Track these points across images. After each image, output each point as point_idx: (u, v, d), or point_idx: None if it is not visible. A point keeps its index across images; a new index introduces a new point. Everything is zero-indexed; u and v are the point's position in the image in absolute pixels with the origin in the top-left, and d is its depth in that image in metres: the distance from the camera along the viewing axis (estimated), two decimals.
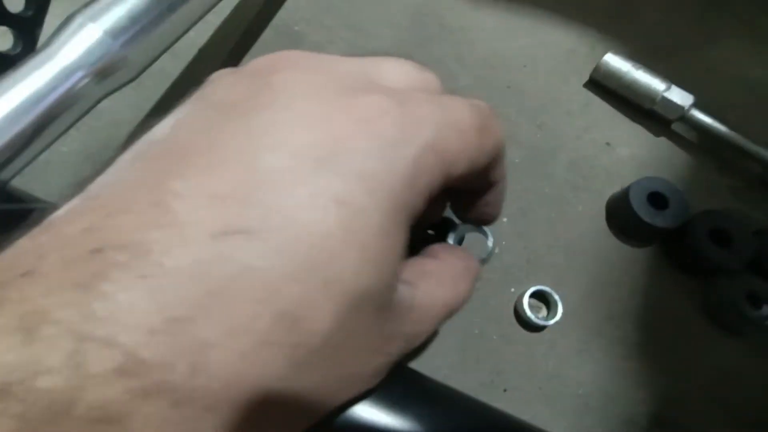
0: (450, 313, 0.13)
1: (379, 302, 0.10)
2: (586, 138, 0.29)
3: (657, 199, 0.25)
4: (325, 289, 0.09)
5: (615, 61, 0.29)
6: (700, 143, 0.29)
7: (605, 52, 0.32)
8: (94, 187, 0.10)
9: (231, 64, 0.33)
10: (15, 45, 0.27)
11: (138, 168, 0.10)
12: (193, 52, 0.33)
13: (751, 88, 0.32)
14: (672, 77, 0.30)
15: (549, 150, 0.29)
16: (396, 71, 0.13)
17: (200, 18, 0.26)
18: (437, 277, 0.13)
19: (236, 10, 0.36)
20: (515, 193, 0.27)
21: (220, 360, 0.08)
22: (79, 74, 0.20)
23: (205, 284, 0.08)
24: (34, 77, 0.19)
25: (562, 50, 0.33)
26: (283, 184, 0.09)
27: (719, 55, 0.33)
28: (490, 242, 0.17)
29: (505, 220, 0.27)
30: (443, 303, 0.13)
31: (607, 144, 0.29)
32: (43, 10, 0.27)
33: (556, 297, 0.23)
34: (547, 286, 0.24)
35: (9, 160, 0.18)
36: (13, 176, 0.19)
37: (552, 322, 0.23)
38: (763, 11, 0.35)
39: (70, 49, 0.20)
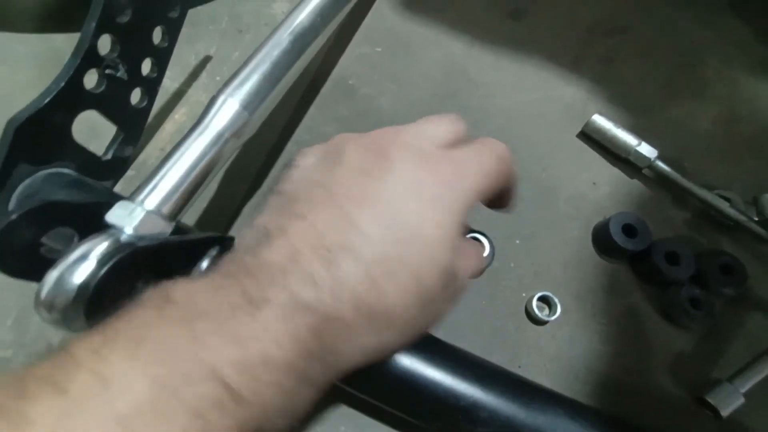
0: (473, 276, 0.21)
1: (451, 271, 0.18)
2: (579, 179, 0.38)
3: (629, 229, 0.34)
4: (434, 264, 0.17)
5: (600, 121, 0.38)
6: (662, 185, 0.38)
7: (594, 108, 0.41)
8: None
9: (301, 112, 0.41)
10: (142, 99, 0.34)
11: (327, 203, 0.17)
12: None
13: (702, 139, 0.41)
14: (643, 131, 0.39)
15: (551, 188, 0.38)
16: (443, 129, 0.20)
17: (290, 84, 0.34)
18: (466, 256, 0.20)
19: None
20: (526, 221, 0.36)
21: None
22: (225, 138, 0.28)
23: (386, 264, 0.16)
24: (198, 143, 0.27)
25: (562, 105, 0.42)
26: (416, 215, 0.17)
27: (680, 112, 0.42)
28: (488, 249, 0.25)
29: (517, 242, 0.35)
30: (470, 272, 0.20)
31: (594, 183, 0.38)
32: (163, 72, 0.35)
33: (556, 300, 0.32)
34: (549, 292, 0.33)
35: (184, 205, 0.26)
36: (182, 216, 0.26)
37: (553, 318, 0.32)
38: (718, 73, 0.44)
39: (218, 121, 0.28)
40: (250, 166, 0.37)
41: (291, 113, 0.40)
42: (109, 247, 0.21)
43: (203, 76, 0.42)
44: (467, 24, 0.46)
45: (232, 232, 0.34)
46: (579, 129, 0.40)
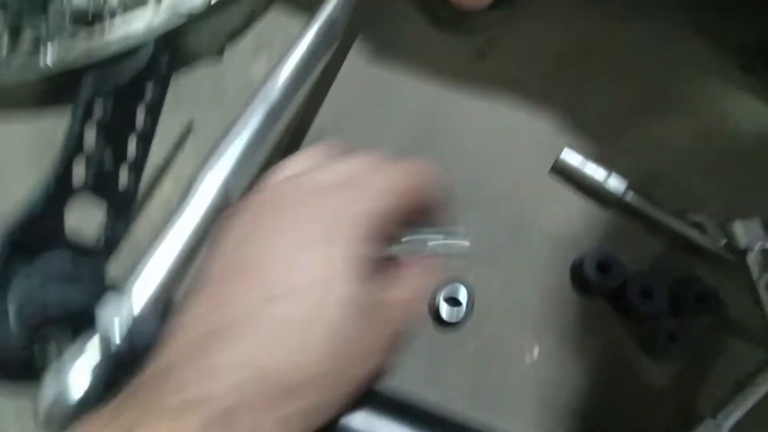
0: (410, 307, 0.19)
1: (362, 301, 0.16)
2: (554, 216, 0.40)
3: (603, 266, 0.35)
4: (329, 303, 0.15)
5: (569, 157, 0.40)
6: (635, 215, 0.39)
7: (564, 140, 0.43)
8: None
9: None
10: (129, 181, 0.36)
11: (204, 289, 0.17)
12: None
13: (675, 158, 0.42)
14: (617, 156, 0.40)
15: (527, 227, 0.39)
16: (306, 164, 0.20)
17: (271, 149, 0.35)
18: (399, 282, 0.19)
19: None
20: (502, 264, 0.37)
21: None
22: (208, 219, 0.29)
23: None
24: (181, 231, 0.28)
25: (533, 140, 0.43)
26: (288, 267, 0.16)
27: (652, 132, 0.43)
28: (460, 240, 0.22)
29: (497, 285, 0.37)
30: (404, 300, 0.19)
31: (569, 220, 0.39)
32: (148, 150, 0.37)
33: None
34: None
35: (179, 281, 0.27)
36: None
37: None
38: (686, 93, 0.45)
39: (200, 202, 0.29)
40: None
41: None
42: (102, 359, 0.22)
43: (188, 145, 0.44)
44: (435, 69, 0.48)
45: None
46: (550, 164, 0.42)
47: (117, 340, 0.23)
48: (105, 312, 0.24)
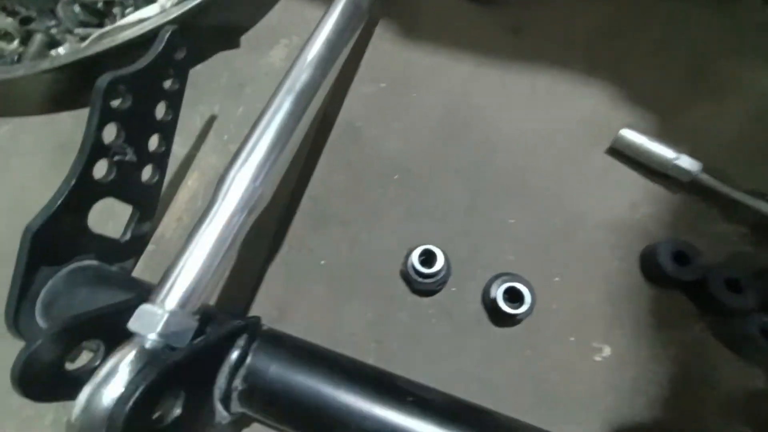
0: None
1: None
2: (613, 201, 0.36)
3: (680, 257, 0.31)
4: None
5: (631, 135, 0.36)
6: (708, 198, 0.35)
7: (618, 121, 0.38)
8: None
9: (312, 163, 0.40)
10: (153, 175, 0.34)
11: None
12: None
13: (737, 139, 0.37)
14: (674, 139, 0.35)
15: (582, 214, 0.35)
16: None
17: (299, 143, 0.33)
18: None
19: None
20: (560, 256, 0.34)
21: None
22: (240, 215, 0.27)
23: None
24: (212, 229, 0.25)
25: (580, 122, 0.39)
26: None
27: (705, 113, 0.38)
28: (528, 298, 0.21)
29: (557, 279, 0.33)
30: None
31: (632, 205, 0.35)
32: (171, 144, 0.35)
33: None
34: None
35: (207, 295, 0.25)
36: (210, 300, 0.26)
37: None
38: (739, 66, 0.40)
39: (230, 202, 0.27)
40: (267, 227, 0.36)
41: (302, 166, 0.39)
42: (134, 359, 0.20)
43: (211, 137, 0.41)
44: (467, 46, 0.44)
45: (255, 303, 0.33)
46: (606, 146, 0.38)
47: (151, 338, 0.21)
48: (137, 319, 0.22)
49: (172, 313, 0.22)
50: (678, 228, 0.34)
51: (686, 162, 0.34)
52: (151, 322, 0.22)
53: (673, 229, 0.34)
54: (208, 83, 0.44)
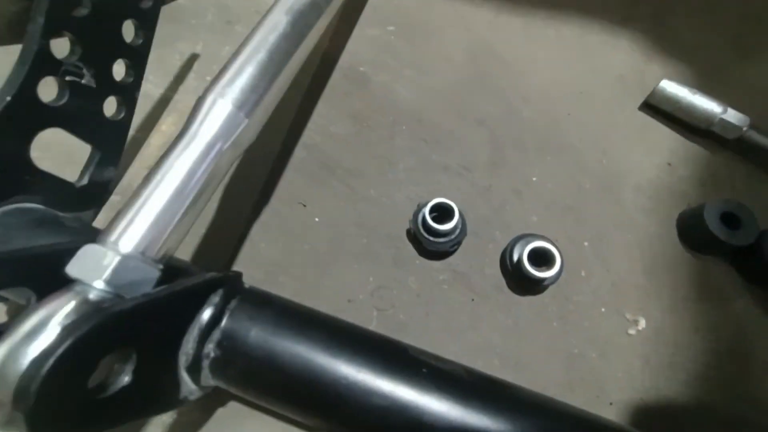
0: None
1: None
2: (648, 161, 0.32)
3: (729, 219, 0.27)
4: None
5: (672, 87, 0.32)
6: (756, 159, 0.31)
7: (653, 76, 0.34)
8: None
9: (308, 108, 0.35)
10: (118, 110, 0.29)
11: None
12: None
13: None
14: (721, 96, 0.32)
15: (614, 175, 0.31)
16: None
17: (293, 76, 0.28)
18: None
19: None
20: (590, 219, 0.30)
21: None
22: (219, 149, 0.22)
23: None
24: (184, 159, 0.21)
25: (612, 76, 0.35)
26: None
27: (755, 71, 0.35)
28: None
29: (586, 244, 0.29)
30: None
31: (669, 165, 0.32)
32: (141, 75, 0.29)
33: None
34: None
35: (174, 240, 0.20)
36: (173, 251, 0.21)
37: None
38: None
39: (208, 129, 0.22)
40: (254, 176, 0.31)
41: (296, 111, 0.34)
42: (70, 312, 0.15)
43: (191, 78, 0.36)
44: None
45: (239, 261, 0.28)
46: (639, 101, 0.34)
47: (97, 287, 0.16)
48: (77, 260, 0.17)
49: (126, 257, 0.17)
50: (722, 192, 0.30)
51: (734, 116, 0.30)
52: (96, 267, 0.17)
53: (715, 192, 0.30)
54: (190, 19, 0.39)
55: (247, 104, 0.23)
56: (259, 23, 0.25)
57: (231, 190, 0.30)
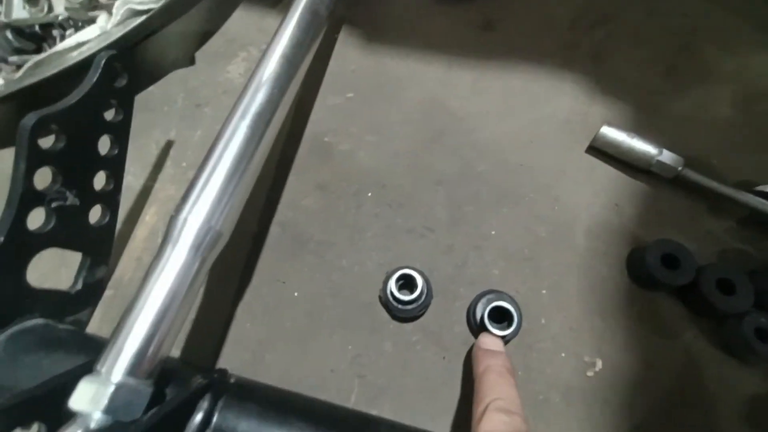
0: None
1: None
2: (597, 202, 0.34)
3: (670, 259, 0.29)
4: None
5: (611, 133, 0.34)
6: (694, 194, 0.33)
7: (597, 116, 0.37)
8: None
9: (279, 185, 0.37)
10: (102, 216, 0.31)
11: None
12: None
13: (722, 128, 0.36)
14: (655, 132, 0.34)
15: (567, 221, 0.34)
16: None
17: (260, 170, 0.30)
18: None
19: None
20: (547, 268, 0.32)
21: None
22: (196, 261, 0.24)
23: None
24: (163, 280, 0.23)
25: (559, 121, 0.38)
26: None
27: (690, 102, 0.37)
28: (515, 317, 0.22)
29: (544, 292, 0.31)
30: None
31: (616, 205, 0.34)
32: (121, 180, 0.32)
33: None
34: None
35: (164, 354, 0.22)
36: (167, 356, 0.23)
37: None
38: (722, 50, 0.39)
39: (183, 245, 0.24)
40: (235, 260, 0.33)
41: (268, 190, 0.36)
42: None
43: (168, 166, 0.39)
44: (438, 47, 0.41)
45: (226, 347, 0.31)
46: (585, 144, 0.36)
47: (95, 417, 0.19)
48: (77, 394, 0.19)
49: (119, 386, 0.20)
50: (665, 228, 0.32)
51: (668, 158, 0.32)
52: (94, 399, 0.19)
53: (659, 229, 0.32)
54: (162, 106, 0.41)
55: (215, 214, 0.25)
56: (220, 131, 0.28)
57: (211, 280, 0.33)
